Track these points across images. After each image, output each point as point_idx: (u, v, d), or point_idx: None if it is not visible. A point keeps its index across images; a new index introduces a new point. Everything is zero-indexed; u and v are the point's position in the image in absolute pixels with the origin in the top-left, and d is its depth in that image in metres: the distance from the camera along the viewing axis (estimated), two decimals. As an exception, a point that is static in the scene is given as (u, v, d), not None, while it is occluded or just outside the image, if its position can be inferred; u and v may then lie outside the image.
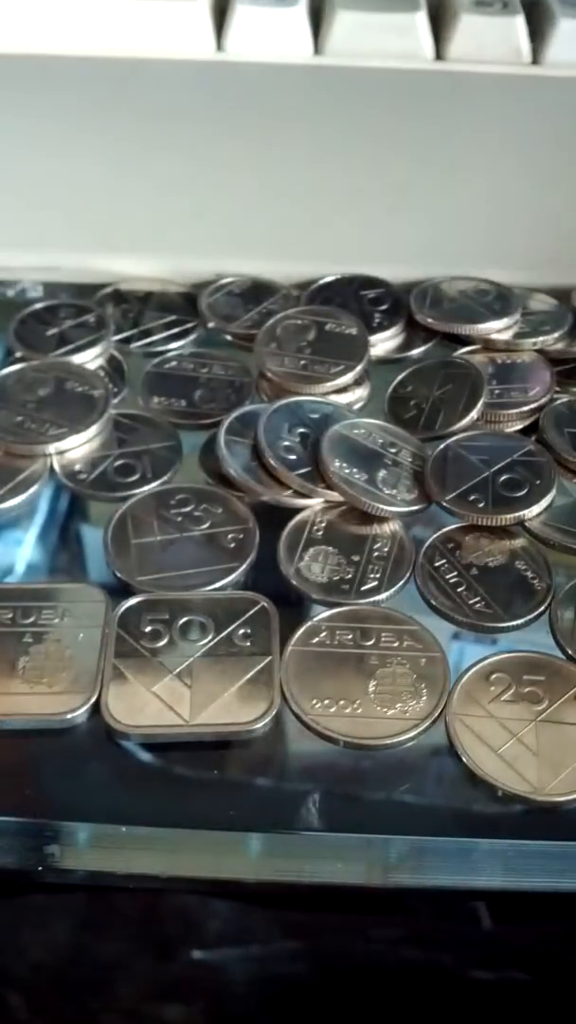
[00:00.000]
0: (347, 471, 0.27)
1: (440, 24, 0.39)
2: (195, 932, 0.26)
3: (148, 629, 0.24)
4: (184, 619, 0.24)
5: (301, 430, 0.28)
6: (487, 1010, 0.26)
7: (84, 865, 0.22)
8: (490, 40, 0.38)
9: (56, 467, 0.28)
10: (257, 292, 0.33)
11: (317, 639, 0.24)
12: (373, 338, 0.31)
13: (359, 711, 0.23)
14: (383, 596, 0.25)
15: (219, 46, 0.38)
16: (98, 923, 0.26)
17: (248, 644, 0.24)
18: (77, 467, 0.28)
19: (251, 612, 0.24)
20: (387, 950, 0.26)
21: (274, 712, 0.23)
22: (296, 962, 0.26)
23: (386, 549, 0.26)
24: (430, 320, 0.31)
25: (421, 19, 0.38)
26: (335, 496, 0.27)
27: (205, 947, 0.26)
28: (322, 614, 0.25)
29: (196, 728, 0.23)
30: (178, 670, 0.23)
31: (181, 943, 0.26)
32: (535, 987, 0.25)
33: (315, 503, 0.27)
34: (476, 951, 0.26)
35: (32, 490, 0.27)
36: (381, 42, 0.38)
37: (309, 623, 0.24)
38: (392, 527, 0.27)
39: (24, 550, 0.27)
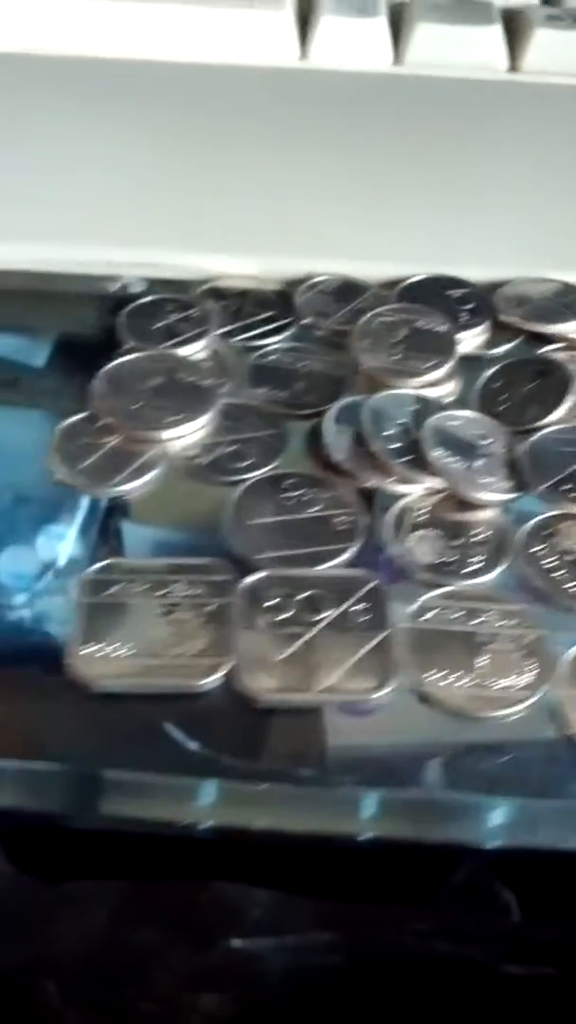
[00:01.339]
0: (447, 460, 0.29)
1: (514, 37, 0.41)
2: (233, 921, 0.27)
3: (272, 603, 0.26)
4: (304, 594, 0.26)
5: (400, 421, 0.30)
6: (517, 1004, 0.27)
7: (221, 820, 0.24)
8: (562, 53, 0.40)
9: (173, 452, 0.29)
10: (347, 291, 0.34)
11: (427, 617, 0.26)
12: (460, 335, 0.33)
13: (470, 685, 0.25)
14: (486, 578, 0.27)
15: (303, 54, 0.40)
16: (135, 911, 0.27)
17: (364, 619, 0.26)
18: (193, 453, 0.30)
19: (365, 589, 0.26)
20: (420, 943, 0.27)
21: (393, 683, 0.25)
22: (331, 953, 0.28)
23: (486, 534, 0.28)
24: (515, 319, 0.33)
25: (496, 32, 0.40)
26: (436, 483, 0.29)
27: (243, 936, 0.27)
28: (430, 593, 0.27)
29: (322, 696, 0.24)
30: (302, 641, 0.25)
31: (218, 932, 0.27)
32: (565, 982, 0.27)
33: (416, 489, 0.29)
34: (507, 945, 0.27)
35: (152, 474, 0.29)
36: (457, 53, 0.40)
37: (418, 601, 0.26)
38: (490, 514, 0.28)
39: (147, 530, 0.29)
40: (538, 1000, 0.27)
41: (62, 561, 0.28)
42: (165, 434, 0.30)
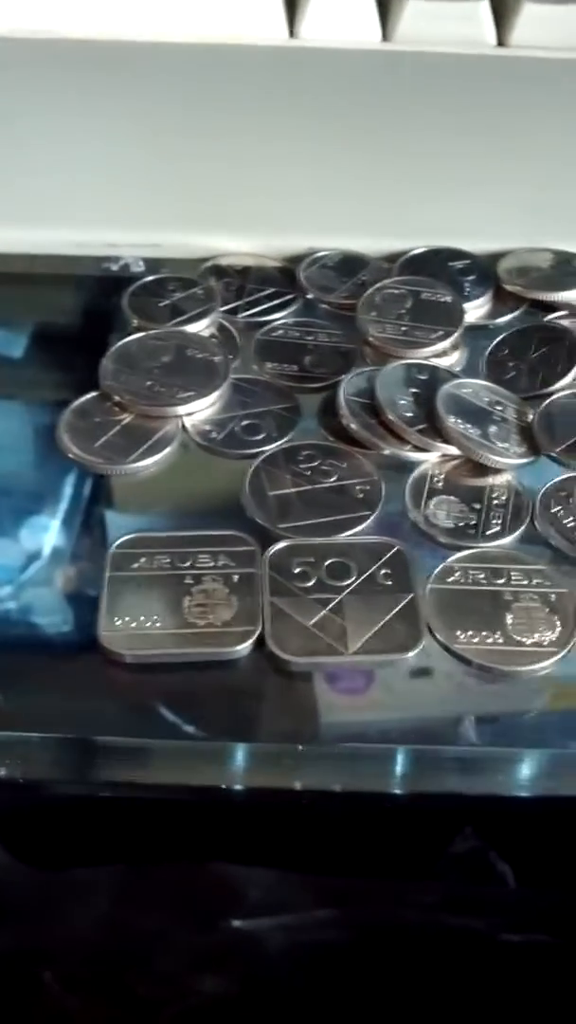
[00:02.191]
0: (462, 427, 0.29)
1: (501, 12, 0.41)
2: (233, 902, 0.27)
3: (297, 571, 0.26)
4: (329, 561, 0.26)
5: (413, 390, 0.30)
6: (516, 972, 0.27)
7: (262, 783, 0.24)
8: (550, 27, 0.40)
9: (188, 427, 0.29)
10: (349, 265, 0.34)
11: (452, 578, 0.26)
12: (464, 306, 0.33)
13: (500, 641, 0.25)
14: (507, 540, 0.27)
15: (292, 33, 0.40)
16: (135, 896, 0.27)
17: (390, 583, 0.26)
18: (207, 427, 0.30)
19: (389, 555, 0.26)
20: (421, 915, 0.28)
21: (423, 643, 0.25)
22: (332, 929, 0.28)
23: (504, 498, 0.28)
24: (518, 288, 0.33)
25: (484, 7, 0.40)
26: (450, 450, 0.29)
27: (243, 916, 0.27)
28: (453, 556, 0.27)
29: (355, 658, 0.24)
30: (330, 606, 0.25)
31: (219, 913, 0.27)
32: (562, 949, 0.27)
33: (432, 457, 0.29)
34: (504, 915, 0.27)
35: (168, 450, 0.29)
36: (446, 29, 0.40)
37: (443, 564, 0.26)
38: (506, 478, 0.29)
39: (166, 505, 0.29)
40: (536, 967, 0.27)
41: (46, 551, 0.28)
42: (179, 410, 0.30)
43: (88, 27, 0.38)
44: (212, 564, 0.26)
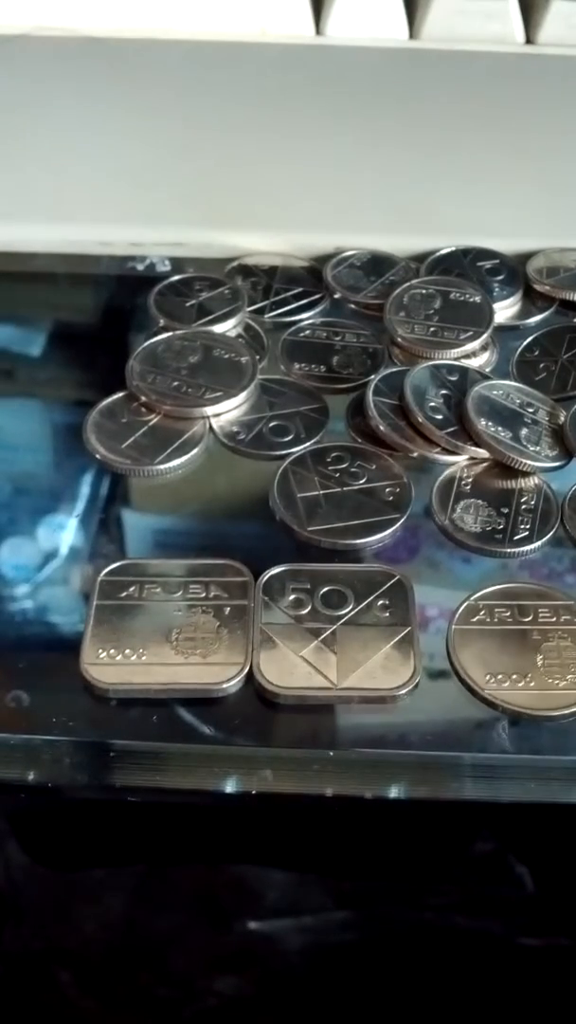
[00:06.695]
0: (493, 429, 0.28)
1: (529, 10, 0.40)
2: (250, 903, 0.27)
3: (292, 598, 0.25)
4: (325, 589, 0.25)
5: (443, 392, 0.30)
6: (532, 975, 0.27)
7: (279, 788, 0.24)
8: (579, 24, 0.40)
9: (215, 428, 0.29)
10: (377, 264, 0.34)
11: (477, 618, 0.25)
12: (494, 306, 0.32)
13: (532, 684, 0.24)
14: (535, 545, 0.27)
15: (319, 30, 0.40)
16: (151, 898, 0.27)
17: (387, 615, 0.25)
18: (235, 428, 0.29)
19: (388, 584, 0.26)
20: (437, 918, 0.27)
21: (417, 680, 0.24)
22: (348, 931, 0.28)
23: (532, 502, 0.28)
24: (548, 288, 0.33)
25: (512, 5, 0.40)
26: (480, 453, 0.29)
27: (260, 918, 0.27)
28: (476, 593, 0.26)
29: (344, 692, 0.24)
30: (323, 636, 0.25)
31: (235, 915, 0.27)
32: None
33: (460, 460, 0.29)
34: (522, 917, 0.27)
35: (196, 450, 0.29)
36: (473, 26, 0.40)
37: (466, 603, 0.26)
38: (535, 481, 0.28)
39: (193, 506, 0.28)
40: (554, 970, 0.27)
41: (64, 551, 0.28)
42: (207, 411, 0.29)
43: (116, 24, 0.38)
44: (203, 594, 0.25)
